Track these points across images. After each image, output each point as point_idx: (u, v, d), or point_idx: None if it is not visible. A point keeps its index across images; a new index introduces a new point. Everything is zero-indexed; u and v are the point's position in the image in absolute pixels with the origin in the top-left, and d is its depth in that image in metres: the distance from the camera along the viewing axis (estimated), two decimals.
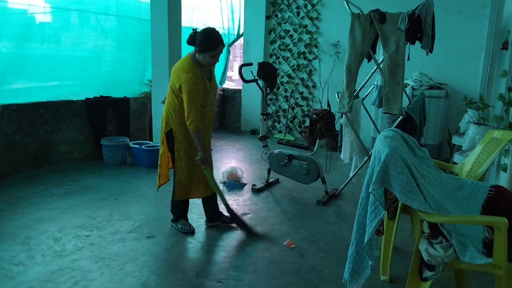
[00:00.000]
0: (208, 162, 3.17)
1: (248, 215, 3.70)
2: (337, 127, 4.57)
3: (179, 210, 3.36)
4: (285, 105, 7.08)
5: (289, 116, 7.01)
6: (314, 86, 6.80)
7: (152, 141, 5.35)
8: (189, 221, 3.44)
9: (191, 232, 3.30)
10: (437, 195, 2.22)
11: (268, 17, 7.00)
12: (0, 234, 3.14)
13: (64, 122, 4.97)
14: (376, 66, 3.98)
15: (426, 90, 5.07)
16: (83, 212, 3.60)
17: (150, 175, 4.75)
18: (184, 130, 3.07)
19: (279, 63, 7.03)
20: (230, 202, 3.95)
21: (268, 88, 4.36)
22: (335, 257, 2.96)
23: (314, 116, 4.06)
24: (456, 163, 3.52)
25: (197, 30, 3.03)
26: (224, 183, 4.49)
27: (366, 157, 4.17)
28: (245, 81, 4.50)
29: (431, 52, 3.80)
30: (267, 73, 4.28)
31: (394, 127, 3.68)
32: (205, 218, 3.53)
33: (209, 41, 2.92)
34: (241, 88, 7.44)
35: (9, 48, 4.51)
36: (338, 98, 4.04)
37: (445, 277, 2.19)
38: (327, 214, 3.79)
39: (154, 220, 3.52)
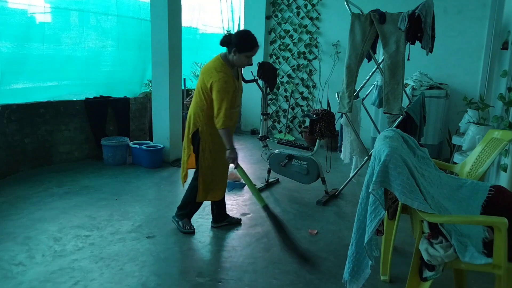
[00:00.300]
0: (237, 160, 3.12)
1: (248, 215, 3.70)
2: (337, 127, 4.57)
3: (191, 209, 3.35)
4: (285, 105, 7.08)
5: (289, 116, 7.02)
6: (314, 86, 6.80)
7: (152, 141, 5.35)
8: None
9: (191, 232, 3.30)
10: (437, 195, 2.22)
11: (268, 17, 7.00)
12: (0, 234, 3.14)
13: (64, 122, 4.97)
14: (376, 66, 3.98)
15: (426, 90, 5.07)
16: (83, 212, 3.60)
17: (150, 175, 4.75)
18: (210, 130, 3.09)
19: (279, 63, 7.03)
20: (230, 202, 3.97)
21: (268, 88, 4.36)
22: (335, 257, 2.96)
23: (314, 116, 4.06)
24: (456, 163, 3.52)
25: (231, 32, 3.09)
26: None
27: (366, 157, 4.17)
28: (245, 81, 4.48)
29: (431, 52, 3.80)
30: (267, 73, 4.28)
31: (394, 127, 3.68)
32: (204, 218, 3.53)
33: (247, 42, 3.03)
34: None
35: (9, 48, 4.51)
36: (338, 98, 4.04)
37: (445, 277, 2.19)
38: (327, 214, 3.79)
39: (154, 220, 3.52)
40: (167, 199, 4.06)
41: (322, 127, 4.01)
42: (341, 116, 4.11)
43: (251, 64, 3.17)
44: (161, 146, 5.14)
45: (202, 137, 3.11)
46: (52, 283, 2.52)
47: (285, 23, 6.87)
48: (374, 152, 2.21)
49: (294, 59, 6.90)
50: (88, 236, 3.17)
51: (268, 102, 6.96)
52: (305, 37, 6.73)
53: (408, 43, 3.72)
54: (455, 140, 4.65)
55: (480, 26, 5.38)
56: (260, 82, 4.35)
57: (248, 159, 5.57)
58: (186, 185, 3.36)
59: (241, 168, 3.11)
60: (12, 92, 4.55)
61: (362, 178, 3.31)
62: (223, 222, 3.45)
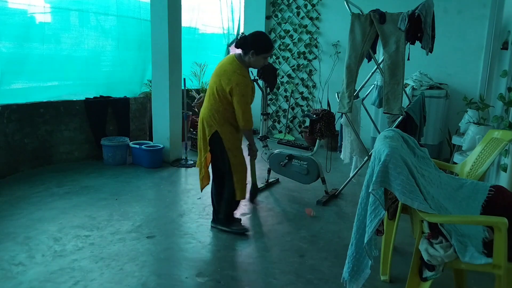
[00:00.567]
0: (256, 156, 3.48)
1: (248, 215, 3.70)
2: (337, 127, 4.57)
3: (231, 212, 3.37)
4: (285, 105, 7.08)
5: (289, 116, 7.02)
6: (314, 86, 6.80)
7: (152, 141, 5.35)
8: (189, 221, 3.45)
9: (246, 230, 3.31)
10: (437, 195, 2.22)
11: (268, 17, 7.00)
12: (0, 234, 3.14)
13: (64, 122, 4.97)
14: (376, 66, 3.98)
15: (426, 90, 5.07)
16: (83, 212, 3.60)
17: (150, 175, 4.75)
18: (229, 129, 3.15)
19: (279, 63, 7.04)
20: None
21: (268, 88, 4.36)
22: (335, 257, 2.96)
23: (314, 116, 4.06)
24: (456, 163, 3.52)
25: (245, 34, 3.17)
26: None
27: (366, 157, 4.17)
28: None
29: (431, 52, 3.80)
30: (267, 73, 4.28)
31: (394, 127, 3.68)
32: (204, 218, 3.53)
33: (265, 44, 3.08)
34: None
35: (9, 48, 4.51)
36: (338, 98, 4.04)
37: (445, 277, 2.19)
38: (327, 214, 3.79)
39: (154, 220, 3.52)
40: (167, 199, 4.06)
41: (322, 127, 4.01)
42: (341, 116, 4.11)
43: (267, 63, 3.24)
44: (161, 146, 5.14)
45: (223, 137, 3.13)
46: (52, 283, 2.52)
47: (285, 23, 6.87)
48: (374, 152, 2.21)
49: (294, 59, 6.90)
50: (88, 236, 3.17)
51: (268, 102, 6.96)
52: (305, 37, 6.73)
53: (408, 43, 3.72)
54: (455, 140, 4.65)
55: (480, 26, 5.38)
56: (260, 82, 4.36)
57: (248, 159, 5.56)
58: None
59: (254, 163, 3.62)
60: (12, 92, 4.55)
61: (362, 178, 3.31)
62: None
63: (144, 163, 5.04)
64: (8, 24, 4.41)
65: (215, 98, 3.07)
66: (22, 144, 4.59)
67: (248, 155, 3.51)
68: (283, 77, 7.01)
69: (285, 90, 7.04)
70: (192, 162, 5.27)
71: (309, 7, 6.63)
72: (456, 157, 4.19)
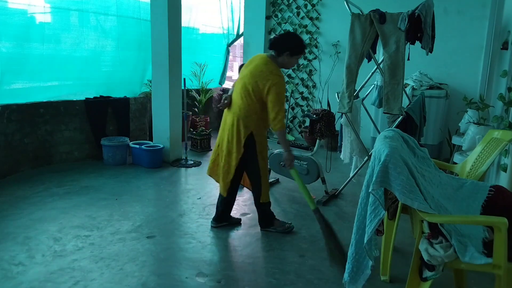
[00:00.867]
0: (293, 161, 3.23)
1: (248, 215, 3.70)
2: (337, 127, 4.57)
3: (270, 212, 3.37)
4: (285, 105, 7.07)
5: (289, 116, 7.02)
6: (314, 86, 6.80)
7: (152, 141, 5.35)
8: (189, 221, 3.45)
9: (292, 227, 3.35)
10: (437, 195, 2.22)
11: (268, 17, 7.00)
12: (0, 234, 3.14)
13: (64, 122, 4.97)
14: (376, 66, 3.98)
15: (426, 90, 5.07)
16: (83, 212, 3.60)
17: (150, 175, 4.75)
18: (262, 131, 3.18)
19: None
20: None
21: None
22: None
23: (314, 116, 4.06)
24: (456, 163, 3.52)
25: (276, 35, 3.20)
26: None
27: (366, 157, 4.17)
28: None
29: (431, 52, 3.80)
30: None
31: (394, 127, 3.68)
32: (204, 218, 3.53)
33: (301, 46, 3.12)
34: None
35: (9, 48, 4.51)
36: (338, 98, 4.04)
37: (445, 277, 2.19)
38: (327, 214, 3.78)
39: (154, 220, 3.52)
40: (167, 199, 4.06)
41: (322, 127, 4.01)
42: (341, 116, 4.11)
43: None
44: (161, 146, 5.14)
45: (257, 140, 3.13)
46: (52, 283, 2.52)
47: (285, 23, 6.87)
48: (374, 152, 2.21)
49: None
50: (88, 236, 3.17)
51: None
52: (305, 37, 6.72)
53: (408, 43, 3.72)
54: (455, 140, 4.65)
55: (480, 26, 5.38)
56: None
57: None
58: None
59: (295, 170, 3.21)
60: (12, 92, 4.55)
61: (362, 178, 3.30)
62: (224, 222, 3.45)
63: (144, 163, 5.04)
64: (8, 24, 4.41)
65: (251, 99, 3.05)
66: (22, 144, 4.59)
67: (283, 164, 3.40)
68: None
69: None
70: (192, 162, 5.27)
71: (309, 7, 6.63)
72: (456, 157, 4.19)
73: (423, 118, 4.24)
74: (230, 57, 8.16)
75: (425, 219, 1.93)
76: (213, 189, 4.34)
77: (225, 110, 3.23)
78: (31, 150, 4.70)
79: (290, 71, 6.93)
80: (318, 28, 6.62)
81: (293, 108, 7.02)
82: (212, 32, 7.51)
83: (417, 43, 3.73)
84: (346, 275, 2.21)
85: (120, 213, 3.63)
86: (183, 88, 5.24)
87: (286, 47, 3.05)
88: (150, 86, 5.59)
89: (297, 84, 6.93)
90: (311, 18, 6.64)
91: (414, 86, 5.14)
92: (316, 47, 6.65)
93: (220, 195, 3.36)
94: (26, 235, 3.14)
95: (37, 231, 3.21)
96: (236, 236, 3.30)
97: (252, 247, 3.11)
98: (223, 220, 3.44)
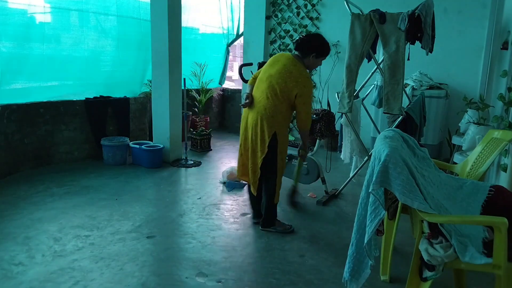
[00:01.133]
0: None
1: (248, 215, 3.70)
2: (337, 127, 4.57)
3: (275, 212, 3.39)
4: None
5: None
6: (314, 86, 6.80)
7: (152, 141, 5.35)
8: (189, 221, 3.45)
9: (293, 229, 3.36)
10: (437, 195, 2.22)
11: (268, 17, 7.00)
12: (0, 234, 3.14)
13: (64, 122, 4.97)
14: (376, 66, 3.98)
15: (426, 90, 5.07)
16: (83, 212, 3.60)
17: (150, 175, 4.75)
18: (285, 131, 3.21)
19: None
20: (230, 202, 3.97)
21: None
22: (335, 257, 2.96)
23: (314, 116, 4.05)
24: (456, 163, 3.52)
25: (303, 36, 3.22)
26: (224, 183, 4.49)
27: (366, 157, 4.17)
28: (245, 81, 4.50)
29: (431, 52, 3.80)
30: None
31: (394, 127, 3.68)
32: (204, 218, 3.54)
33: (327, 47, 3.16)
34: (241, 88, 7.43)
35: (9, 48, 4.51)
36: (338, 98, 4.04)
37: (445, 277, 2.18)
38: (327, 214, 3.79)
39: (154, 220, 3.52)
40: (167, 199, 4.06)
41: (322, 127, 4.01)
42: (341, 116, 4.11)
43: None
44: (161, 146, 5.14)
45: (279, 139, 3.13)
46: (52, 283, 2.52)
47: (285, 23, 6.87)
48: (374, 152, 2.21)
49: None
50: (88, 236, 3.17)
51: None
52: None
53: (408, 43, 3.72)
54: (455, 140, 4.65)
55: (480, 26, 5.38)
56: None
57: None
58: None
59: (302, 163, 3.67)
60: (12, 92, 4.55)
61: (362, 178, 3.31)
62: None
63: (144, 163, 5.04)
64: (8, 24, 4.42)
65: (278, 99, 3.05)
66: (22, 144, 4.59)
67: (299, 155, 3.52)
68: None
69: None
70: (192, 162, 5.27)
71: (309, 7, 6.63)
72: (456, 157, 4.19)
73: (423, 118, 4.24)
74: (230, 57, 8.16)
75: (425, 219, 1.93)
76: (213, 189, 4.34)
77: (246, 108, 3.24)
78: (31, 150, 4.70)
79: None
80: (318, 28, 6.61)
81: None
82: (212, 32, 7.51)
83: (417, 43, 3.73)
84: (346, 275, 2.21)
85: (120, 213, 3.63)
86: (183, 88, 5.24)
87: (313, 49, 3.08)
88: (150, 86, 5.59)
89: None
90: (311, 18, 6.64)
91: (414, 86, 5.14)
92: None
93: (250, 193, 3.40)
94: (26, 235, 3.14)
95: (37, 231, 3.21)
96: (236, 236, 3.30)
97: (252, 247, 3.11)
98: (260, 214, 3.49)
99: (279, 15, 6.90)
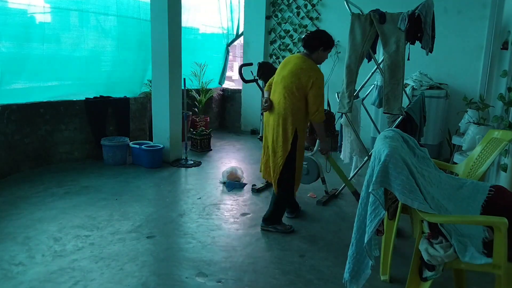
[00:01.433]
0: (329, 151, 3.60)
1: (248, 215, 3.70)
2: (337, 127, 4.56)
3: (283, 211, 3.45)
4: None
5: None
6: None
7: (152, 141, 5.35)
8: (189, 221, 3.46)
9: (293, 230, 3.40)
10: (437, 195, 2.22)
11: (268, 17, 7.00)
12: (0, 234, 3.14)
13: (64, 122, 4.97)
14: (376, 66, 3.98)
15: (426, 90, 5.07)
16: (83, 212, 3.60)
17: (150, 175, 4.75)
18: (304, 128, 3.32)
19: (279, 63, 7.00)
20: (230, 202, 3.97)
21: None
22: (335, 257, 2.96)
23: None
24: (456, 163, 3.52)
25: (308, 33, 3.38)
26: (224, 183, 4.49)
27: (366, 157, 4.17)
28: (245, 81, 4.51)
29: (431, 52, 3.80)
30: (267, 73, 4.27)
31: (394, 127, 3.68)
32: (204, 218, 3.54)
33: (332, 40, 3.30)
34: (241, 88, 7.44)
35: (9, 48, 4.50)
36: (338, 98, 4.04)
37: (445, 277, 2.19)
38: (327, 214, 3.79)
39: (154, 220, 3.52)
40: (167, 199, 4.06)
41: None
42: (341, 116, 4.11)
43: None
44: (161, 146, 5.14)
45: (299, 136, 3.24)
46: (52, 283, 2.52)
47: (285, 23, 6.87)
48: (374, 152, 2.21)
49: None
50: (88, 236, 3.17)
51: None
52: None
53: (408, 43, 3.72)
54: (455, 140, 4.65)
55: (480, 26, 5.38)
56: (260, 82, 4.36)
57: (248, 159, 5.57)
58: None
59: (332, 158, 3.63)
60: (12, 92, 4.55)
61: (362, 178, 3.31)
62: (296, 212, 3.67)
63: (144, 163, 5.04)
64: (8, 24, 4.41)
65: (295, 97, 3.16)
66: (22, 144, 4.58)
67: (321, 152, 3.62)
68: None
69: None
70: (192, 162, 5.27)
71: (309, 7, 6.63)
72: (456, 157, 4.19)
73: (423, 118, 4.24)
74: (230, 57, 8.16)
75: (425, 219, 1.93)
76: (213, 189, 4.34)
77: (266, 112, 3.36)
78: (31, 150, 4.70)
79: None
80: (318, 28, 6.61)
81: None
82: (212, 32, 7.51)
83: (417, 43, 3.73)
84: (346, 275, 2.21)
85: (120, 213, 3.63)
86: (183, 88, 5.24)
87: (320, 43, 3.21)
88: (150, 86, 5.59)
89: None
90: (311, 18, 6.64)
91: (414, 86, 5.14)
92: None
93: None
94: (26, 235, 3.14)
95: (37, 231, 3.21)
96: (236, 236, 3.30)
97: (252, 247, 3.11)
98: (294, 210, 3.64)
99: (279, 15, 6.90)
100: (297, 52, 6.73)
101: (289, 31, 6.85)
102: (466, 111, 4.36)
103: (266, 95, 3.42)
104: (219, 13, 7.38)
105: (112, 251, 2.95)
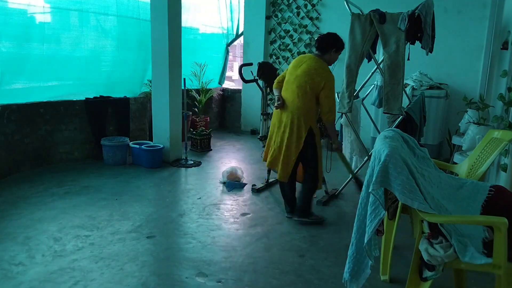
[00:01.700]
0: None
1: (248, 215, 3.70)
2: (337, 127, 4.56)
3: (311, 203, 3.59)
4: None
5: None
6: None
7: (152, 141, 5.35)
8: (189, 221, 3.45)
9: (324, 219, 3.56)
10: (437, 195, 2.22)
11: (268, 17, 7.00)
12: (0, 234, 3.14)
13: (64, 122, 4.97)
14: (376, 66, 3.98)
15: (426, 90, 5.07)
16: (83, 212, 3.60)
17: (150, 175, 4.75)
18: (315, 125, 3.47)
19: (279, 63, 7.03)
20: (230, 202, 3.97)
21: (268, 88, 4.36)
22: (335, 257, 2.96)
23: None
24: (456, 163, 3.52)
25: (320, 35, 3.51)
26: (224, 183, 4.49)
27: (366, 157, 4.17)
28: (245, 81, 4.51)
29: (431, 52, 3.80)
30: (267, 73, 4.28)
31: (394, 127, 3.68)
32: (204, 218, 3.54)
33: (342, 41, 3.48)
34: (241, 88, 7.44)
35: (9, 48, 4.50)
36: (338, 98, 4.04)
37: (445, 277, 2.18)
38: (327, 214, 3.79)
39: (154, 220, 3.52)
40: (167, 199, 4.06)
41: (322, 127, 4.01)
42: (341, 116, 4.11)
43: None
44: (161, 146, 5.14)
45: (315, 133, 3.44)
46: (52, 283, 2.52)
47: (285, 23, 6.87)
48: (374, 152, 2.21)
49: (294, 59, 6.89)
50: (88, 236, 3.17)
51: (268, 102, 6.95)
52: (305, 37, 6.73)
53: (408, 43, 3.72)
54: (455, 140, 4.65)
55: (480, 26, 5.38)
56: (260, 82, 4.36)
57: (248, 159, 5.57)
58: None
59: (342, 154, 3.83)
60: (12, 92, 4.55)
61: (362, 178, 3.31)
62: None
63: (144, 163, 5.04)
64: (8, 24, 4.41)
65: (308, 97, 3.32)
66: (22, 144, 4.58)
67: (333, 149, 3.75)
68: None
69: None
70: (192, 162, 5.27)
71: (309, 7, 6.63)
72: (456, 157, 4.19)
73: (423, 118, 4.24)
74: (230, 57, 8.16)
75: (425, 219, 1.93)
76: (213, 189, 4.34)
77: (277, 110, 3.49)
78: (31, 150, 4.70)
79: None
80: (318, 28, 6.62)
81: None
82: (212, 32, 7.51)
83: (417, 43, 3.73)
84: (346, 275, 2.21)
85: (120, 213, 3.63)
86: (183, 88, 5.24)
87: (332, 45, 3.38)
88: (150, 86, 5.59)
89: None
90: (311, 18, 6.64)
91: (414, 86, 5.14)
92: None
93: (285, 190, 3.65)
94: (26, 235, 3.14)
95: (37, 231, 3.21)
96: (236, 236, 3.30)
97: (252, 247, 3.11)
98: (293, 209, 3.65)
99: (279, 15, 6.90)
100: (305, 52, 6.75)
101: (289, 31, 6.85)
102: (466, 111, 4.37)
103: (276, 93, 3.54)
104: (219, 13, 7.38)
105: (112, 251, 2.95)
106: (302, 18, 6.72)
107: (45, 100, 4.82)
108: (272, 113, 3.51)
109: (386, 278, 2.64)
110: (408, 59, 3.72)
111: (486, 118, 4.08)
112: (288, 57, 6.94)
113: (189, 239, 3.19)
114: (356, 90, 3.98)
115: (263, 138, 4.41)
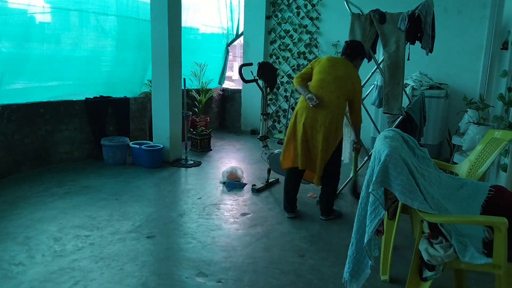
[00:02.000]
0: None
1: (248, 215, 3.70)
2: None
3: (334, 201, 3.76)
4: (285, 105, 7.08)
5: (289, 116, 7.01)
6: None
7: (152, 141, 5.35)
8: (189, 221, 3.46)
9: (341, 213, 3.74)
10: (437, 195, 2.22)
11: (268, 17, 7.00)
12: (0, 234, 3.14)
13: (64, 122, 4.97)
14: (376, 66, 3.98)
15: (426, 90, 5.07)
16: (83, 212, 3.60)
17: (150, 175, 4.75)
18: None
19: (279, 63, 7.03)
20: (230, 202, 3.97)
21: (268, 88, 4.35)
22: (335, 257, 2.96)
23: None
24: (456, 163, 3.52)
25: (348, 41, 3.62)
26: (224, 183, 4.49)
27: (366, 157, 4.17)
28: (245, 81, 4.50)
29: (431, 52, 3.80)
30: (267, 73, 4.27)
31: (394, 127, 3.68)
32: (204, 218, 3.54)
33: (365, 49, 3.63)
34: (241, 88, 7.44)
35: (9, 48, 4.50)
36: None
37: (445, 277, 2.19)
38: None
39: (154, 220, 3.52)
40: (167, 199, 4.06)
41: None
42: None
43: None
44: (161, 146, 5.14)
45: (343, 136, 3.59)
46: (52, 283, 2.52)
47: (285, 23, 6.87)
48: (374, 152, 2.21)
49: (294, 59, 6.90)
50: (88, 236, 3.17)
51: (268, 102, 6.96)
52: (305, 37, 6.73)
53: (408, 43, 3.72)
54: (455, 140, 4.65)
55: (480, 26, 5.38)
56: (260, 82, 4.35)
57: (248, 159, 5.57)
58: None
59: (358, 155, 3.91)
60: (12, 92, 4.55)
61: (362, 178, 3.30)
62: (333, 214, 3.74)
63: (144, 163, 5.04)
64: (8, 24, 4.41)
65: (344, 99, 3.43)
66: (22, 144, 4.58)
67: (354, 149, 3.84)
68: (283, 77, 7.01)
69: (285, 90, 7.04)
70: (192, 162, 5.27)
71: (309, 7, 6.63)
72: (456, 157, 4.19)
73: (423, 118, 4.24)
74: (230, 57, 8.16)
75: (425, 219, 1.93)
76: (213, 189, 4.34)
77: (310, 107, 3.39)
78: (31, 150, 4.70)
79: (291, 71, 6.93)
80: (318, 28, 6.62)
81: (293, 108, 7.01)
82: (212, 32, 7.51)
83: (417, 43, 3.73)
84: (346, 275, 2.21)
85: (120, 213, 3.63)
86: (183, 88, 5.24)
87: (361, 52, 3.52)
88: (150, 86, 5.59)
89: None
90: (311, 18, 6.64)
91: (414, 86, 5.14)
92: (316, 47, 6.65)
93: (291, 192, 3.70)
94: (26, 235, 3.14)
95: (37, 231, 3.21)
96: (236, 236, 3.30)
97: (252, 247, 3.11)
98: (293, 209, 3.74)
99: (279, 15, 6.90)
100: (305, 52, 6.75)
101: (289, 31, 6.85)
102: (466, 111, 4.37)
103: (303, 90, 3.44)
104: (219, 13, 7.38)
105: (112, 251, 2.95)
106: (302, 18, 6.72)
107: (45, 100, 4.82)
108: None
109: (386, 278, 2.64)
110: (408, 59, 3.72)
111: (486, 118, 4.08)
112: (288, 57, 6.94)
113: (189, 239, 3.19)
114: None
115: (263, 138, 4.40)
